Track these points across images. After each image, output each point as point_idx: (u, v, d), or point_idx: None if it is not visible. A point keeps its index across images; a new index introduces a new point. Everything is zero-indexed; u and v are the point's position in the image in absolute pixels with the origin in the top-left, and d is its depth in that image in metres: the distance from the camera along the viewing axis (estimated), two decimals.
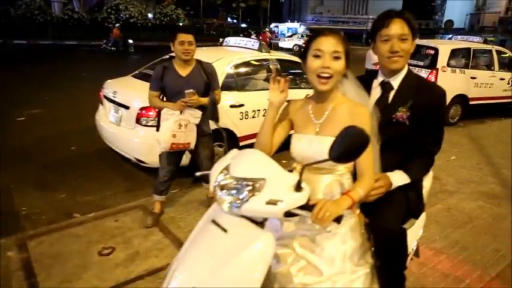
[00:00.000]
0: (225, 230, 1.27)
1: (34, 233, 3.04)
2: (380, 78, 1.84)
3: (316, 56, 1.48)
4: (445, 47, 7.20)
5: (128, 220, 3.27)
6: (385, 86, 1.81)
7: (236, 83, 4.39)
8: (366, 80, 1.84)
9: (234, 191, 1.26)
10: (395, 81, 1.79)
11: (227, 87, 4.27)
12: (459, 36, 8.84)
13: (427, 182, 2.06)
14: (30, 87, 9.18)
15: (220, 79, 4.22)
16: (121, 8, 26.64)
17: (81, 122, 5.91)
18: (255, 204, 1.21)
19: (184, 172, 3.61)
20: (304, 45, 1.64)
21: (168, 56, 4.98)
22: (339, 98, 1.57)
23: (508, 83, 7.86)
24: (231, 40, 5.29)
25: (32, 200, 3.80)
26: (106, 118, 4.41)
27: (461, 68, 7.22)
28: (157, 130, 3.19)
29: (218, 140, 4.23)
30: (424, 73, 7.00)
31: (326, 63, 1.46)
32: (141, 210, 3.45)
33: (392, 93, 1.79)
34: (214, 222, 1.32)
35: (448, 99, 7.04)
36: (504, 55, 8.04)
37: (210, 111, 1.76)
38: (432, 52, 7.15)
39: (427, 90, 1.77)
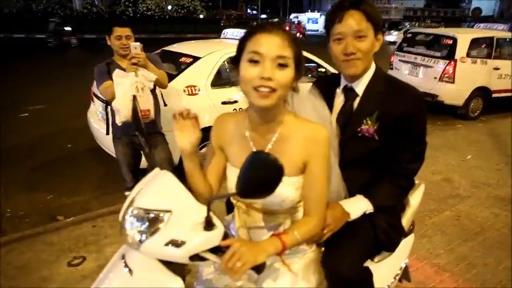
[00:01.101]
0: (131, 271, 1.03)
1: (8, 239, 2.90)
2: (342, 83, 1.51)
3: (253, 62, 1.07)
4: (464, 36, 6.67)
5: (105, 226, 3.08)
6: (348, 93, 1.48)
7: (229, 78, 4.12)
8: (328, 86, 1.53)
9: (138, 225, 1.01)
10: (360, 87, 1.45)
11: (219, 82, 4.01)
12: (482, 24, 8.22)
13: (415, 200, 1.74)
14: (39, 82, 9.18)
15: (212, 74, 3.98)
16: (139, 1, 26.65)
17: (84, 118, 5.80)
18: (154, 244, 0.96)
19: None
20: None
21: (159, 50, 4.78)
22: (288, 120, 1.19)
23: None
24: (228, 32, 5.02)
25: (18, 202, 3.69)
26: (96, 116, 4.24)
27: (483, 58, 6.68)
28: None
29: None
30: (441, 65, 6.54)
31: (266, 72, 1.04)
32: None
33: (357, 101, 1.46)
34: (123, 258, 1.09)
35: (468, 92, 6.58)
36: None
37: (133, 118, 1.42)
38: (450, 42, 6.63)
39: (397, 95, 1.39)
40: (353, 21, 1.34)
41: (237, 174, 1.07)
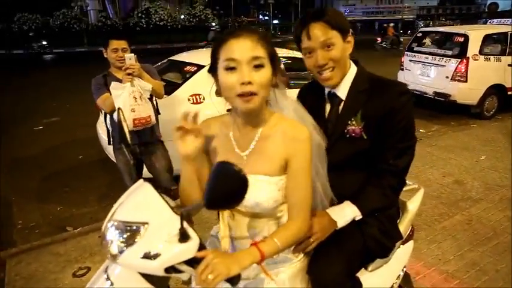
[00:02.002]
0: (112, 284, 1.03)
1: (17, 250, 2.96)
2: (327, 89, 1.48)
3: (230, 69, 1.07)
4: (476, 32, 6.51)
5: None
6: (333, 99, 1.45)
7: None
8: (316, 91, 1.51)
9: (118, 237, 1.01)
10: (343, 91, 1.43)
11: None
12: (495, 20, 8.03)
13: (413, 205, 1.68)
14: (54, 96, 9.41)
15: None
16: (151, 12, 27.08)
17: (95, 129, 5.91)
18: (131, 256, 0.96)
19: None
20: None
21: (166, 60, 4.83)
22: (270, 119, 1.20)
23: None
24: None
25: (29, 213, 3.78)
26: (104, 126, 4.30)
27: (497, 55, 6.49)
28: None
29: None
30: (453, 63, 6.40)
31: (245, 77, 1.05)
32: None
33: (342, 105, 1.43)
34: (106, 271, 1.09)
35: (482, 90, 6.41)
36: None
37: (118, 130, 1.41)
38: (462, 39, 6.48)
39: (380, 92, 1.36)
40: (318, 33, 1.33)
41: None
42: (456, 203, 3.47)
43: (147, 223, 0.97)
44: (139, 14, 26.82)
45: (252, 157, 1.19)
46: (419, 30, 8.09)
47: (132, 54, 2.58)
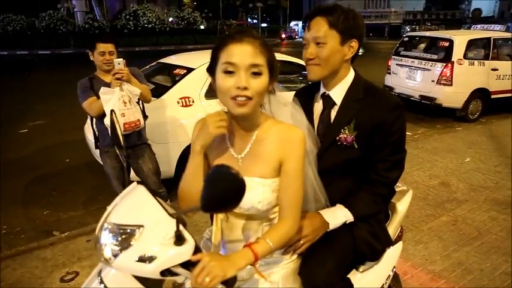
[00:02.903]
0: (105, 287, 1.04)
1: (1, 256, 2.90)
2: (321, 89, 1.50)
3: (228, 72, 1.09)
4: (460, 37, 6.65)
5: None
6: (326, 101, 1.47)
7: None
8: (310, 92, 1.53)
9: (112, 240, 1.01)
10: (338, 95, 1.44)
11: (213, 93, 3.99)
12: (479, 26, 8.22)
13: (402, 207, 1.71)
14: (40, 98, 9.27)
15: (206, 84, 3.99)
16: (139, 14, 26.90)
17: (82, 131, 5.84)
18: (126, 259, 0.96)
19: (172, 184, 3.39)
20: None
21: (155, 63, 4.82)
22: (265, 122, 1.22)
23: None
24: None
25: (14, 217, 3.71)
26: (91, 130, 4.26)
27: (481, 59, 6.65)
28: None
29: None
30: (438, 67, 6.53)
31: (242, 82, 1.07)
32: None
33: (335, 110, 1.44)
34: (100, 275, 1.09)
35: (467, 93, 6.55)
36: None
37: (110, 132, 1.40)
38: (447, 44, 6.61)
39: (374, 103, 1.37)
40: (315, 28, 1.36)
41: None
42: (442, 204, 3.54)
43: (142, 226, 0.98)
44: (127, 16, 26.60)
45: (247, 160, 1.20)
46: (406, 34, 8.22)
47: (121, 59, 2.58)
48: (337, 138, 1.39)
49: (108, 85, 2.67)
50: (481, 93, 6.71)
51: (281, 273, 1.25)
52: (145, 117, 2.93)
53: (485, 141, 5.48)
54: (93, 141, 3.53)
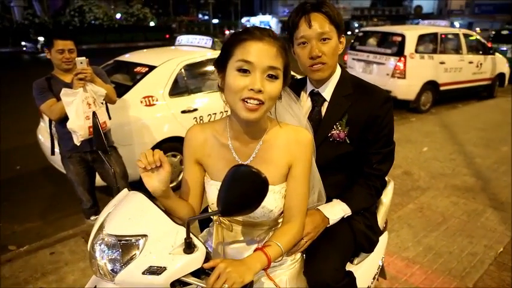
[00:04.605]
0: None
1: None
2: (309, 88, 1.48)
3: (243, 71, 1.00)
4: (412, 33, 6.99)
5: (65, 251, 2.87)
6: (316, 98, 1.46)
7: (187, 86, 4.01)
8: (294, 89, 1.51)
9: (110, 253, 0.92)
10: (327, 91, 1.44)
11: (177, 91, 3.90)
12: (426, 21, 8.68)
13: (386, 198, 1.75)
14: None
15: (169, 83, 3.86)
16: (85, 10, 25.59)
17: (33, 135, 5.43)
18: (130, 273, 0.88)
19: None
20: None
21: (112, 61, 4.58)
22: (271, 126, 1.16)
23: (477, 66, 7.74)
24: (183, 39, 4.90)
25: None
26: (47, 134, 3.97)
27: (430, 53, 7.04)
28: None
29: (173, 149, 3.88)
30: (392, 61, 6.81)
31: (257, 84, 0.99)
32: (83, 237, 3.06)
33: (325, 106, 1.44)
34: None
35: (418, 86, 6.90)
36: (471, 38, 7.92)
37: (94, 136, 1.29)
38: (399, 39, 6.93)
39: (365, 98, 1.38)
40: (316, 24, 1.32)
41: (218, 188, 1.02)
42: (407, 193, 3.69)
43: (145, 235, 0.90)
44: (72, 12, 25.24)
45: (255, 164, 1.14)
46: (361, 30, 8.50)
47: (84, 58, 2.39)
48: (329, 134, 1.38)
49: (68, 85, 2.48)
50: (431, 86, 7.11)
51: (287, 274, 1.22)
52: (109, 118, 2.76)
53: (439, 131, 5.81)
54: (50, 146, 3.29)
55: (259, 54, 1.00)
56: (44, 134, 4.05)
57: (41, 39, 17.53)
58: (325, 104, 1.43)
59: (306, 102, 1.49)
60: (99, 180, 2.99)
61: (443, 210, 3.37)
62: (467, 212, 3.33)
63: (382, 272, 1.93)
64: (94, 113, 1.36)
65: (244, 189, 0.86)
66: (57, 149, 2.86)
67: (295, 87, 1.54)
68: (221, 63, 1.07)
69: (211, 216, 1.24)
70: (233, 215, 0.95)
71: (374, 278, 1.70)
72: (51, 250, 2.89)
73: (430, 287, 2.39)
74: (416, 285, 2.40)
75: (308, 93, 1.48)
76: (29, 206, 3.83)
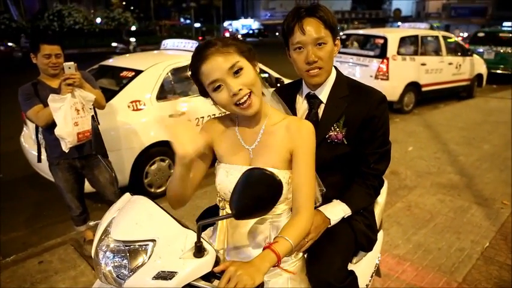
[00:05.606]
0: None
1: None
2: (305, 90, 1.50)
3: (217, 88, 1.11)
4: (393, 35, 7.14)
5: (54, 260, 2.81)
6: (312, 101, 1.48)
7: (174, 90, 4.00)
8: (289, 92, 1.52)
9: (117, 260, 0.91)
10: (323, 94, 1.45)
11: (164, 95, 3.88)
12: (406, 24, 8.89)
13: (381, 198, 1.79)
14: None
15: (156, 87, 3.83)
16: (64, 14, 25.12)
17: (15, 142, 5.28)
18: (140, 279, 0.87)
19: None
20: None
21: (97, 66, 4.52)
22: (271, 113, 1.24)
23: (456, 67, 7.96)
24: (169, 43, 4.88)
25: None
26: (31, 140, 3.88)
27: (411, 55, 7.20)
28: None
29: (162, 154, 3.84)
30: (375, 63, 6.94)
31: (234, 89, 1.08)
32: (72, 245, 3.00)
33: (321, 108, 1.46)
34: None
35: (401, 87, 7.04)
36: (450, 40, 8.14)
37: (93, 141, 1.29)
38: (381, 41, 7.07)
39: (361, 99, 1.40)
40: (312, 30, 1.33)
41: (227, 170, 1.20)
42: (395, 192, 3.76)
43: (154, 240, 0.90)
44: (51, 17, 24.73)
45: (259, 150, 1.21)
46: (344, 32, 8.63)
47: (72, 63, 2.36)
48: (327, 136, 1.40)
49: (55, 91, 2.43)
50: (413, 87, 7.26)
51: (286, 274, 1.22)
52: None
53: (422, 131, 5.94)
54: (36, 153, 3.22)
55: (216, 69, 1.08)
56: (28, 140, 3.95)
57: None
58: (322, 106, 1.45)
59: (302, 104, 1.51)
60: (87, 187, 2.94)
61: (430, 207, 3.45)
62: (453, 208, 3.42)
63: (377, 271, 1.96)
64: (93, 117, 1.35)
65: (259, 192, 0.87)
66: (43, 156, 2.80)
67: (289, 90, 1.56)
68: (202, 91, 1.18)
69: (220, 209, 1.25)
70: (246, 218, 0.96)
71: (372, 277, 1.72)
72: (40, 259, 2.82)
73: (421, 283, 2.44)
74: (408, 282, 2.45)
75: (304, 95, 1.50)
76: (14, 215, 3.72)
